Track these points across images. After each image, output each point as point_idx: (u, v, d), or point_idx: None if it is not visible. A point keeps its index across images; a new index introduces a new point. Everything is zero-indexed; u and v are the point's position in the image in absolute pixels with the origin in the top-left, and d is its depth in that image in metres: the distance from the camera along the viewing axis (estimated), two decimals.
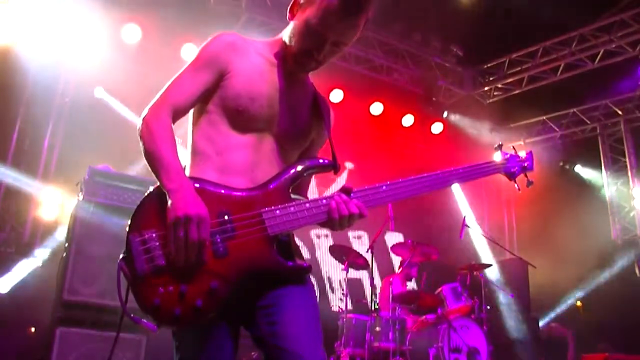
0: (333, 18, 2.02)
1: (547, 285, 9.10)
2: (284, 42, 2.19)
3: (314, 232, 9.31)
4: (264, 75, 2.17)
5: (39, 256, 7.09)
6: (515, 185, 2.60)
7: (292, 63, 2.17)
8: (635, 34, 8.72)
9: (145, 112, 2.05)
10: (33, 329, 6.61)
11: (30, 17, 7.13)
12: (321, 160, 2.16)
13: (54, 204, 7.49)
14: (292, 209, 2.02)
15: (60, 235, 6.95)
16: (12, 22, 7.01)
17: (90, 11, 7.43)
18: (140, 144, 2.01)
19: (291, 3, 2.18)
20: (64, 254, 5.52)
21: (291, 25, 2.17)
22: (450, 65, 10.34)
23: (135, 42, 7.85)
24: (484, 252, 10.58)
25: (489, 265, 7.89)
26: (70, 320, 5.14)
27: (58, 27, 7.38)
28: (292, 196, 2.09)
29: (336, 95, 9.21)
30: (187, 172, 2.08)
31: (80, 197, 5.59)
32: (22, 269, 6.91)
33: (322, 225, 2.10)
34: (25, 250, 7.15)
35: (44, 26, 7.27)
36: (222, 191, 2.00)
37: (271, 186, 2.05)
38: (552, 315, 9.39)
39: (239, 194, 2.01)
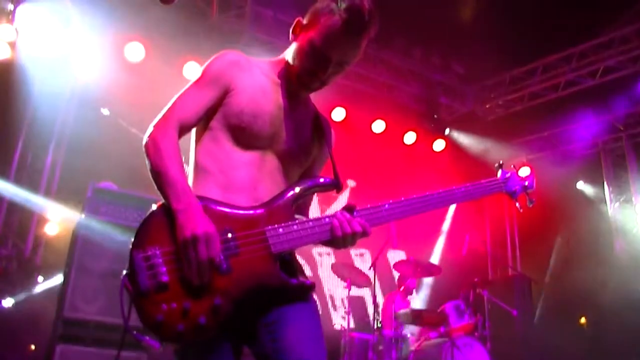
0: (336, 38, 2.07)
1: (550, 302, 9.06)
2: (287, 63, 2.23)
3: (316, 250, 9.30)
4: (267, 94, 2.20)
5: (40, 272, 7.09)
6: (517, 205, 2.61)
7: (296, 83, 2.20)
8: (635, 50, 8.75)
9: (151, 128, 2.07)
10: (33, 346, 6.59)
11: (34, 33, 7.18)
12: (323, 180, 2.18)
13: (56, 221, 7.49)
14: (295, 227, 2.04)
15: (61, 251, 6.94)
16: (16, 38, 7.05)
17: (94, 29, 7.48)
18: (146, 160, 2.02)
19: (294, 24, 2.22)
20: (65, 271, 5.51)
21: (294, 46, 2.21)
22: (452, 83, 10.37)
23: (139, 60, 7.88)
24: (487, 269, 10.55)
25: (492, 282, 7.86)
26: (70, 337, 5.11)
27: (62, 44, 7.43)
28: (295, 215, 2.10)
29: (338, 114, 9.21)
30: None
31: (82, 214, 5.59)
32: (23, 285, 6.90)
33: (325, 244, 2.11)
34: (26, 266, 7.14)
35: (48, 42, 7.31)
36: (226, 209, 2.01)
37: (274, 205, 2.06)
38: (556, 331, 9.32)
39: (242, 212, 2.02)
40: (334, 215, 2.08)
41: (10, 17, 7.07)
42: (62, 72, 7.64)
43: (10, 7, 7.12)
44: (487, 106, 10.67)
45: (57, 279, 6.34)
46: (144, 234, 1.94)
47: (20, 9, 7.11)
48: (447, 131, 10.68)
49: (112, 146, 7.41)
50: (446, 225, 10.66)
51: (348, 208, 2.11)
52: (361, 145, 9.59)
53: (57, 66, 7.52)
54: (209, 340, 1.92)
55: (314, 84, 2.19)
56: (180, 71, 7.98)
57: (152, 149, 2.01)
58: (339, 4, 2.07)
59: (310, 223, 2.07)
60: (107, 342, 5.13)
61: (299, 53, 2.16)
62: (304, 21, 2.19)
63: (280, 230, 2.01)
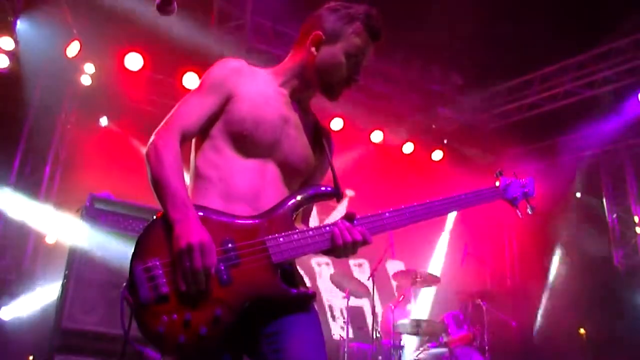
0: (365, 43, 2.22)
1: (549, 312, 9.05)
2: (298, 74, 2.28)
3: (314, 260, 9.28)
4: (269, 102, 2.20)
5: (39, 283, 7.06)
6: (517, 212, 2.61)
7: (326, 92, 2.27)
8: (631, 61, 8.78)
9: (153, 136, 2.07)
10: (31, 357, 6.55)
11: (33, 44, 7.19)
12: (324, 188, 2.18)
13: (55, 231, 7.47)
14: (295, 236, 2.03)
15: (60, 262, 6.92)
16: (16, 48, 7.07)
17: (93, 39, 7.50)
18: (147, 168, 2.02)
19: (312, 38, 2.24)
20: (64, 281, 5.49)
21: (318, 60, 2.23)
22: (450, 93, 10.39)
23: (137, 69, 7.90)
24: (486, 280, 10.53)
25: (491, 293, 7.85)
26: (69, 348, 5.09)
27: (61, 54, 7.45)
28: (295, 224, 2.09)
29: (336, 124, 9.22)
30: (190, 198, 2.06)
31: (81, 224, 5.58)
32: (22, 296, 6.88)
33: (326, 253, 2.10)
34: (25, 277, 7.12)
35: (47, 52, 7.33)
36: (226, 219, 2.01)
37: (274, 214, 2.06)
38: (555, 342, 9.30)
39: (242, 221, 2.02)
40: (334, 224, 2.07)
41: (10, 28, 7.09)
42: (61, 82, 7.65)
43: (10, 18, 7.14)
44: (486, 116, 10.69)
45: (55, 289, 6.31)
46: (144, 244, 1.93)
47: (20, 20, 7.13)
48: (445, 141, 10.69)
49: (110, 155, 7.43)
50: (445, 236, 10.66)
51: (348, 216, 2.11)
52: (359, 155, 9.60)
53: (56, 76, 7.54)
54: (210, 351, 1.91)
55: (345, 89, 2.28)
56: (180, 82, 8.00)
57: (154, 157, 2.01)
58: (356, 14, 2.21)
59: (311, 232, 2.06)
60: (106, 352, 5.11)
61: (330, 65, 2.22)
62: (323, 35, 2.23)
63: (281, 239, 2.01)
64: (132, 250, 1.93)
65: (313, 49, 2.24)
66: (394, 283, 8.14)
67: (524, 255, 11.01)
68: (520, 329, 8.29)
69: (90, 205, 5.63)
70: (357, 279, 7.22)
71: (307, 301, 2.07)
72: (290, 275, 2.10)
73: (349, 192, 9.82)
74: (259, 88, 2.21)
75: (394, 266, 9.23)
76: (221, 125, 2.15)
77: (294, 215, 2.10)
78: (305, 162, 2.27)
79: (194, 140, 2.21)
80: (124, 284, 1.90)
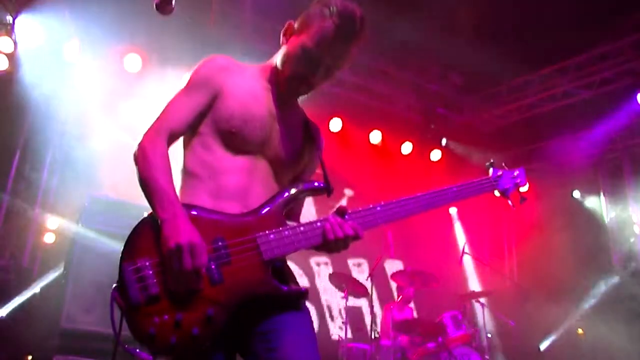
0: (328, 43, 2.09)
1: (548, 312, 9.05)
2: (276, 67, 2.24)
3: (313, 260, 9.28)
4: (257, 99, 2.19)
5: (38, 283, 7.07)
6: (509, 202, 2.58)
7: (285, 87, 2.21)
8: (630, 62, 8.77)
9: (141, 137, 2.06)
10: (30, 358, 6.56)
11: (32, 45, 7.20)
12: (314, 184, 2.16)
13: (53, 231, 7.48)
14: (286, 232, 2.02)
15: (59, 262, 6.93)
16: (15, 50, 7.08)
17: (92, 40, 7.51)
18: (135, 169, 2.01)
19: (284, 27, 2.23)
20: (63, 282, 5.50)
21: (284, 50, 2.22)
22: (449, 93, 10.39)
23: (136, 71, 7.91)
24: (484, 280, 10.53)
25: (490, 293, 7.85)
26: (68, 348, 5.10)
27: (60, 55, 7.45)
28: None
29: (335, 124, 9.19)
30: (180, 196, 2.05)
31: (79, 224, 5.59)
32: (21, 296, 6.88)
33: (318, 249, 2.09)
34: (24, 277, 7.12)
35: (46, 54, 7.34)
36: (216, 217, 1.99)
37: (264, 210, 2.05)
38: (554, 342, 9.30)
39: (232, 219, 2.00)
40: (325, 219, 2.06)
41: (8, 29, 7.10)
42: (60, 83, 7.65)
43: (9, 19, 7.15)
44: (484, 117, 10.69)
45: (53, 289, 6.31)
46: (133, 245, 1.92)
47: (19, 20, 7.13)
48: (443, 142, 10.70)
49: (109, 156, 7.43)
50: (444, 236, 10.65)
51: (340, 211, 2.10)
52: (358, 155, 9.60)
53: (55, 77, 7.54)
54: (202, 351, 1.89)
55: (302, 88, 2.20)
56: (178, 81, 7.98)
57: (141, 158, 2.00)
58: (331, 9, 2.09)
59: (302, 228, 2.04)
60: (105, 352, 5.11)
61: (289, 56, 2.17)
62: (296, 25, 2.20)
63: (272, 236, 1.99)
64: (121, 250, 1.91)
65: (284, 39, 2.23)
66: (392, 283, 8.13)
67: (524, 255, 11.00)
68: (518, 329, 8.29)
69: (88, 205, 5.65)
70: (355, 278, 7.21)
71: (299, 298, 2.05)
72: (281, 273, 2.08)
73: (348, 192, 9.82)
74: (246, 84, 2.20)
75: (392, 266, 9.24)
76: (210, 122, 2.14)
77: (285, 211, 2.09)
78: (296, 158, 2.26)
79: (183, 138, 2.20)
80: (114, 284, 1.89)
